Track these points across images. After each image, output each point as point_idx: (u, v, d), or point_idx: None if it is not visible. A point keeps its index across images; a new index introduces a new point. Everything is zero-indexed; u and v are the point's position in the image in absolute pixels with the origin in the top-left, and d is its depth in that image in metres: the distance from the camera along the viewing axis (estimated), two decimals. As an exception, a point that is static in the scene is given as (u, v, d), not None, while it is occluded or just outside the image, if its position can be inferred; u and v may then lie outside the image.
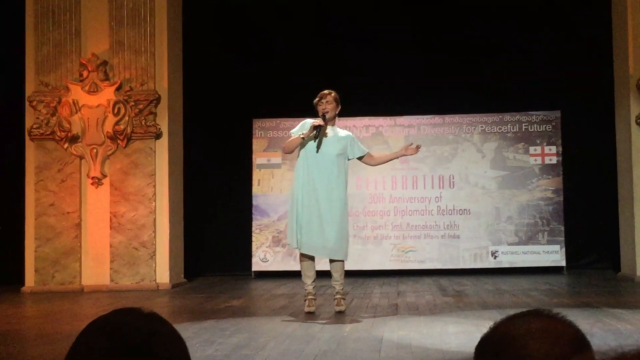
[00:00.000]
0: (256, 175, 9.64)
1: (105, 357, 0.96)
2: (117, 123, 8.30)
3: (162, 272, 8.31)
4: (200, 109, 9.43)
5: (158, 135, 8.41)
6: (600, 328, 4.72)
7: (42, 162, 8.37)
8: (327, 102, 5.83)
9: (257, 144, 9.65)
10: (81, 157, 8.39)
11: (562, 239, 9.26)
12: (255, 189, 9.62)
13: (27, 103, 8.45)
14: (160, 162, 8.41)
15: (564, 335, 0.97)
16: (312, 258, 5.88)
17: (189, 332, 4.89)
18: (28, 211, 8.37)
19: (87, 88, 8.36)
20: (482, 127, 9.55)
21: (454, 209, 9.47)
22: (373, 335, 4.75)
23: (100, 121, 8.36)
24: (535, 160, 9.44)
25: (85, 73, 8.36)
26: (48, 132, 8.32)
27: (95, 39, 8.48)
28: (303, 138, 5.76)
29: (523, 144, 9.48)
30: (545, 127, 9.47)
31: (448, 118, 9.60)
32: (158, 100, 8.40)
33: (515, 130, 9.51)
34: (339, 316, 5.68)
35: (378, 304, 6.48)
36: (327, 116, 5.82)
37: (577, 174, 9.38)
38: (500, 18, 9.27)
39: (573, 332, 0.98)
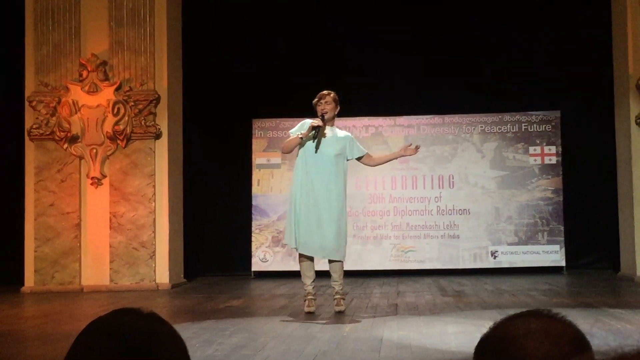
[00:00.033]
0: (256, 175, 9.64)
1: (105, 357, 0.96)
2: (116, 123, 8.30)
3: (162, 272, 8.31)
4: (200, 109, 9.43)
5: (158, 136, 8.41)
6: (600, 328, 4.72)
7: (41, 163, 8.37)
8: (326, 102, 5.84)
9: (256, 144, 9.65)
10: (81, 158, 8.39)
11: (562, 239, 9.26)
12: (254, 189, 9.62)
13: (26, 103, 8.45)
14: (159, 162, 8.41)
15: (564, 335, 0.97)
16: (311, 258, 5.88)
17: (189, 332, 4.89)
18: (28, 211, 8.37)
19: (86, 88, 8.36)
20: (481, 127, 9.55)
21: (453, 209, 9.47)
22: (373, 335, 4.75)
23: (99, 121, 8.36)
24: (535, 160, 9.44)
25: (84, 73, 8.36)
26: (48, 132, 8.32)
27: (95, 39, 8.48)
28: (302, 138, 5.76)
29: (523, 144, 9.48)
30: (545, 127, 9.47)
31: (448, 118, 9.60)
32: (158, 100, 8.40)
33: (515, 130, 9.51)
34: (339, 316, 5.68)
35: (378, 304, 6.48)
36: (326, 117, 5.82)
37: (576, 173, 9.38)
38: (500, 18, 9.27)
39: (573, 332, 0.98)
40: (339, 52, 9.36)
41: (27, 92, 8.45)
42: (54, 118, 8.33)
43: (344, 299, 6.01)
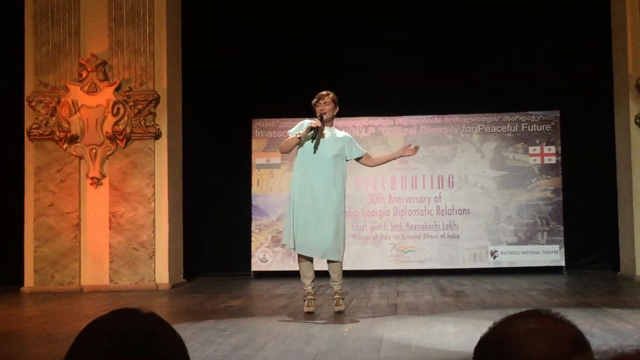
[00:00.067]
0: (255, 175, 9.64)
1: (105, 357, 0.96)
2: (116, 123, 8.30)
3: (162, 272, 8.31)
4: (199, 109, 9.42)
5: (157, 136, 8.41)
6: (600, 328, 4.72)
7: (41, 163, 8.37)
8: (324, 103, 5.84)
9: (256, 144, 9.65)
10: (80, 158, 8.39)
11: (562, 238, 9.26)
12: (254, 189, 9.62)
13: (26, 103, 8.45)
14: (159, 163, 8.41)
15: (564, 335, 0.97)
16: (310, 259, 5.89)
17: (189, 332, 4.89)
18: (27, 211, 8.37)
19: (86, 88, 8.36)
20: (481, 127, 9.55)
21: (453, 209, 9.47)
22: (372, 335, 4.75)
23: (99, 121, 8.36)
24: (535, 160, 9.44)
25: (84, 73, 8.36)
26: (47, 133, 8.32)
27: (95, 39, 8.48)
28: (300, 138, 5.77)
29: (522, 143, 9.48)
30: (545, 127, 9.47)
31: (447, 118, 9.60)
32: (157, 100, 8.40)
33: (514, 130, 9.51)
34: (339, 316, 5.69)
35: (377, 304, 6.48)
36: (325, 117, 5.82)
37: (576, 173, 9.38)
38: (500, 18, 9.27)
39: (572, 332, 0.98)
40: (339, 52, 9.36)
41: (27, 92, 8.45)
42: (53, 118, 8.33)
43: (343, 299, 6.02)
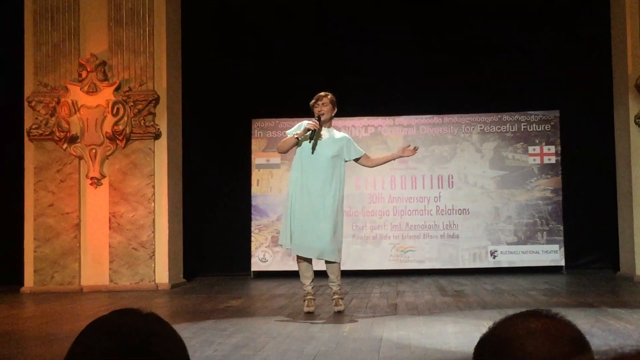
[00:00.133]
0: (255, 175, 9.64)
1: (105, 357, 0.96)
2: (116, 123, 8.30)
3: (161, 272, 8.31)
4: (199, 109, 9.42)
5: (157, 136, 8.41)
6: (600, 328, 4.72)
7: (41, 163, 8.37)
8: (323, 104, 5.83)
9: (256, 144, 9.65)
10: (80, 158, 8.39)
11: (561, 238, 9.27)
12: (254, 189, 9.62)
13: (26, 103, 8.45)
14: (159, 163, 8.40)
15: (564, 335, 0.97)
16: (309, 259, 5.88)
17: (188, 332, 4.89)
18: (27, 211, 8.37)
19: (86, 88, 8.36)
20: (481, 126, 9.55)
21: (453, 209, 9.47)
22: (372, 335, 4.75)
23: (99, 121, 8.36)
24: (534, 159, 9.44)
25: (84, 73, 8.36)
26: (47, 133, 8.32)
27: (94, 39, 8.48)
28: (297, 138, 5.77)
29: (522, 143, 9.48)
30: (544, 126, 9.47)
31: (447, 118, 9.60)
32: (157, 100, 8.40)
33: (514, 130, 9.51)
34: (338, 316, 5.69)
35: (377, 303, 6.48)
36: (323, 118, 5.81)
37: (576, 173, 9.39)
38: (500, 18, 9.28)
39: (572, 332, 0.98)
40: (339, 52, 9.36)
41: (27, 93, 8.45)
42: (53, 118, 8.34)
43: (342, 299, 6.02)
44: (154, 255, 8.28)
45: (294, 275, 7.16)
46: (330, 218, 5.75)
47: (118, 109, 8.32)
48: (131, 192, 8.33)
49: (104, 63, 8.40)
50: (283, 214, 6.07)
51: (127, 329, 0.99)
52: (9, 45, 8.72)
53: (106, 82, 8.37)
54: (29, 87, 8.46)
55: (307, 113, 6.05)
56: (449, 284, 8.14)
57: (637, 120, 8.11)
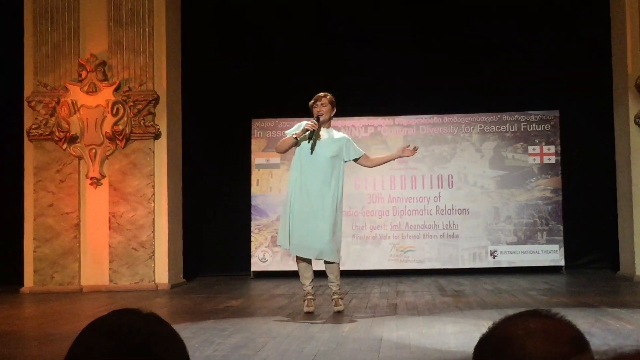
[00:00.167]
0: (255, 175, 9.64)
1: (105, 357, 0.96)
2: (115, 123, 8.30)
3: (161, 272, 8.31)
4: (199, 109, 9.42)
5: (157, 136, 8.41)
6: (600, 328, 4.72)
7: (41, 163, 8.37)
8: (322, 104, 5.83)
9: (255, 144, 9.65)
10: (80, 158, 8.39)
11: (561, 238, 9.27)
12: (254, 189, 9.62)
13: (25, 103, 8.45)
14: (159, 163, 8.40)
15: (563, 335, 0.97)
16: (308, 260, 5.88)
17: (188, 332, 4.89)
18: (27, 212, 8.37)
19: (85, 88, 8.36)
20: (480, 126, 9.56)
21: (452, 209, 9.47)
22: (372, 335, 4.75)
23: (99, 121, 8.36)
24: (534, 159, 9.44)
25: (83, 73, 8.36)
26: (47, 133, 8.32)
27: (94, 39, 8.48)
28: (296, 138, 5.77)
29: (522, 143, 9.48)
30: (544, 126, 9.48)
31: (447, 118, 9.60)
32: (157, 100, 8.40)
33: (514, 129, 9.51)
34: (338, 316, 5.69)
35: (377, 303, 6.48)
36: (322, 118, 5.81)
37: (576, 173, 9.38)
38: (500, 18, 9.28)
39: (572, 332, 0.98)
40: (339, 52, 9.36)
41: (26, 93, 8.45)
42: (53, 118, 8.33)
43: (342, 299, 6.02)
44: (153, 255, 8.28)
45: (293, 275, 7.16)
46: (329, 218, 5.74)
47: (118, 109, 8.32)
48: (131, 192, 8.33)
49: (103, 63, 8.40)
50: (282, 214, 6.07)
51: (127, 329, 0.99)
52: (9, 45, 8.72)
53: (106, 82, 8.37)
54: (28, 87, 8.46)
55: (307, 113, 6.05)
56: (448, 284, 8.14)
57: (637, 120, 8.11)
